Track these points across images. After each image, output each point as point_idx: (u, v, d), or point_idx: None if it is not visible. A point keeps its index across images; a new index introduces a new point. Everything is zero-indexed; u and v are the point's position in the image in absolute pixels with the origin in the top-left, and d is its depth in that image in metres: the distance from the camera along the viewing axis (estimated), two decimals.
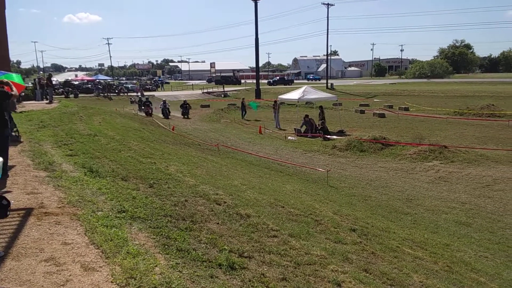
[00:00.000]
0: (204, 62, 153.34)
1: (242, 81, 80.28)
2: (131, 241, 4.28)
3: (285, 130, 23.90)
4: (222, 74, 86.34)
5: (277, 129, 24.53)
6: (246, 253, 4.59)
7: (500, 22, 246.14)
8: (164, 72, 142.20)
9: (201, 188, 7.04)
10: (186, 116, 30.87)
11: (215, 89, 57.43)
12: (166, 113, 29.30)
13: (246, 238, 5.12)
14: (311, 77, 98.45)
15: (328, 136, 20.86)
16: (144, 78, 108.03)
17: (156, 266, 3.76)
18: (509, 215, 9.59)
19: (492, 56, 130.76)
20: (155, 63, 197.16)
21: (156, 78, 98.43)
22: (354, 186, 11.82)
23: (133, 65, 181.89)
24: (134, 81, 72.45)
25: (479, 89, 48.36)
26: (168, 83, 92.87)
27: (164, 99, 31.93)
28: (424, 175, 13.32)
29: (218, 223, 5.44)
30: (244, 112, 30.32)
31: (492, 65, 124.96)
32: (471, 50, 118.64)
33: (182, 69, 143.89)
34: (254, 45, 48.47)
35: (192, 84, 71.87)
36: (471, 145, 17.54)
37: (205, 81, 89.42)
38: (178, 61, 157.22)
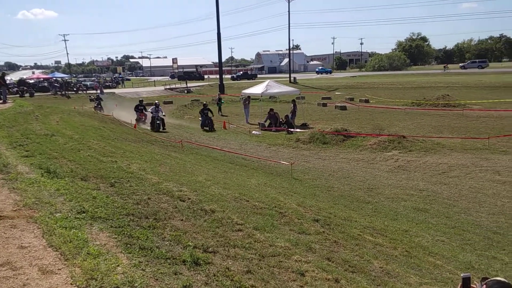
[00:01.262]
0: (166, 58, 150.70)
1: (206, 76, 79.64)
2: (91, 241, 4.19)
3: (254, 124, 23.98)
4: (185, 69, 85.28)
5: (248, 124, 24.56)
6: (210, 248, 4.60)
7: (455, 14, 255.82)
8: (124, 69, 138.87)
9: (164, 185, 6.97)
10: (209, 128, 21.42)
11: (178, 85, 56.71)
12: (157, 123, 20.15)
13: (210, 234, 5.12)
14: (319, 69, 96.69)
15: (292, 130, 21.12)
16: (103, 75, 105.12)
17: (118, 265, 3.70)
18: (464, 200, 10.06)
19: (447, 48, 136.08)
20: (115, 59, 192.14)
21: (116, 74, 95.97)
22: (317, 178, 12.04)
23: (92, 62, 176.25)
24: (94, 78, 70.41)
25: (435, 80, 50.21)
26: (129, 79, 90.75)
27: (156, 101, 23.26)
28: (384, 164, 13.75)
29: (182, 220, 5.41)
30: (218, 108, 29.70)
31: (447, 56, 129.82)
32: (427, 43, 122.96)
33: (143, 65, 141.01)
34: (217, 40, 48.21)
35: (154, 81, 70.61)
36: (428, 134, 18.23)
37: (167, 77, 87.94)
38: (139, 57, 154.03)
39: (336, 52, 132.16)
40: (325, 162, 14.39)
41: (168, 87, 54.28)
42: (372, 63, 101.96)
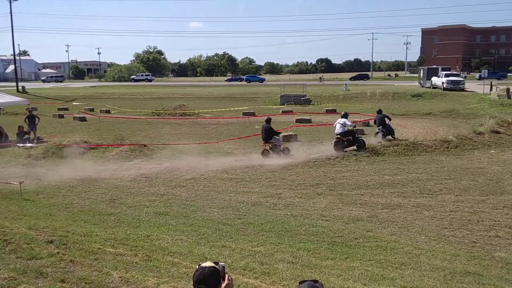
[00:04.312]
0: None
1: None
2: None
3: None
4: None
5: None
6: None
7: (186, 32, 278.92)
8: None
9: None
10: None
11: None
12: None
13: None
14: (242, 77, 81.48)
15: (22, 145, 18.64)
16: None
17: None
18: (200, 199, 11.10)
19: (181, 62, 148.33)
20: None
21: None
22: (54, 195, 11.02)
23: None
24: None
25: (172, 91, 53.66)
26: None
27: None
28: (127, 174, 13.76)
29: None
30: None
31: (182, 70, 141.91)
32: (163, 56, 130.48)
33: None
34: None
35: None
36: (167, 142, 19.31)
37: None
38: None
39: (72, 60, 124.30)
40: (62, 178, 13.27)
41: None
42: (112, 73, 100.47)
